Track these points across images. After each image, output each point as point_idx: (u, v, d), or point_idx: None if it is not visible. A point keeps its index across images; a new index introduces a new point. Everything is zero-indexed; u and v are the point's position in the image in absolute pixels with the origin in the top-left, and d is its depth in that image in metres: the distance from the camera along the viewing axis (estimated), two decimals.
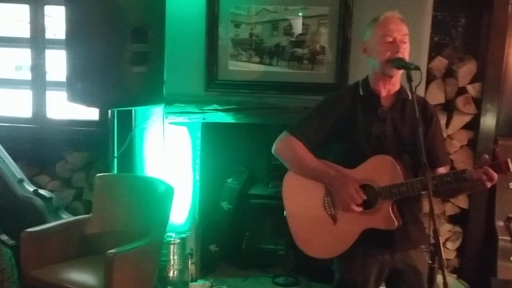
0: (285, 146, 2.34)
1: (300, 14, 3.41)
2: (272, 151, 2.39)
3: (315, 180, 2.30)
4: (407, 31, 2.23)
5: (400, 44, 2.18)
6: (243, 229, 3.89)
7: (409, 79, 2.09)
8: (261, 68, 3.46)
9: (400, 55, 2.17)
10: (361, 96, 2.30)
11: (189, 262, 3.54)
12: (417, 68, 2.10)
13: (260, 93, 3.45)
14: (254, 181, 4.10)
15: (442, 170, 2.29)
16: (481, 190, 2.12)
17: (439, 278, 1.99)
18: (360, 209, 2.20)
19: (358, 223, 2.24)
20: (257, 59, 3.47)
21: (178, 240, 3.54)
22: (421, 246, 2.35)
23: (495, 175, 1.99)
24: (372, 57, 2.25)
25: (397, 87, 2.29)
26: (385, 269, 2.30)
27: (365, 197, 2.20)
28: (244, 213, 3.91)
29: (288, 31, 3.43)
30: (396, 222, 2.19)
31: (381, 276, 2.32)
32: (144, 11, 3.11)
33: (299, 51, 3.44)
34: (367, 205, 2.22)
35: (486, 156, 2.04)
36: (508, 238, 3.47)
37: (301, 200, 2.36)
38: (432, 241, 1.95)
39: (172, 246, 3.52)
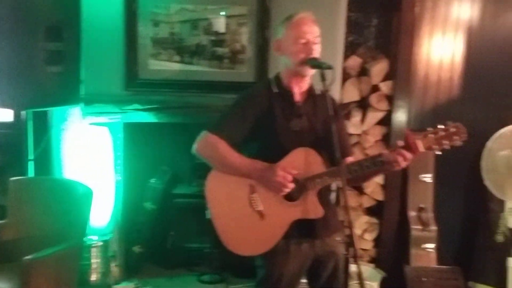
0: (206, 145, 2.33)
1: (220, 13, 3.45)
2: (193, 151, 2.37)
3: (242, 177, 2.29)
4: (319, 32, 2.31)
5: (313, 46, 2.26)
6: (168, 228, 3.88)
7: (323, 77, 2.21)
8: (182, 67, 3.47)
9: (314, 55, 2.26)
10: (275, 93, 2.36)
11: (112, 265, 3.48)
12: (330, 67, 2.21)
13: (181, 92, 3.45)
14: (177, 180, 4.09)
15: (350, 159, 2.40)
16: (393, 171, 2.23)
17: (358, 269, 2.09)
18: (291, 186, 2.23)
19: (285, 216, 2.29)
20: (177, 58, 3.46)
21: (100, 243, 3.47)
22: (337, 236, 2.44)
23: (408, 155, 2.13)
24: (286, 56, 2.32)
25: (308, 84, 2.39)
26: (308, 259, 2.38)
27: (295, 173, 2.22)
28: (169, 213, 3.89)
29: (208, 30, 3.45)
30: (322, 211, 2.28)
31: (304, 267, 2.40)
32: (57, 9, 3.03)
33: (220, 50, 3.48)
34: (293, 197, 2.28)
35: (400, 142, 2.18)
36: (420, 227, 3.69)
37: (226, 199, 2.34)
38: (348, 232, 2.06)
39: (94, 249, 3.44)
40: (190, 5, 3.41)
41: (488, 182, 3.32)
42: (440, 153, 2.19)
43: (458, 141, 2.16)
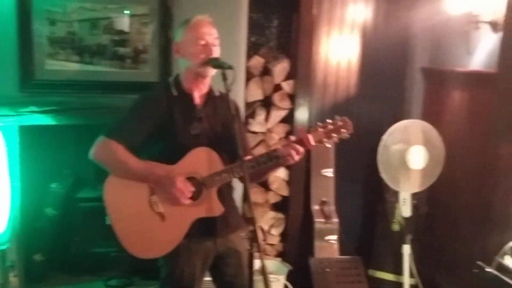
0: (104, 150, 2.29)
1: (121, 12, 3.38)
2: (90, 156, 2.32)
3: (141, 181, 2.28)
4: (217, 34, 2.35)
5: (212, 47, 2.30)
6: (72, 234, 3.75)
7: (224, 77, 2.25)
8: (82, 67, 3.36)
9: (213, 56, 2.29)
10: (175, 96, 2.37)
11: (11, 275, 3.31)
12: (230, 67, 2.26)
13: (82, 93, 3.34)
14: (81, 184, 3.96)
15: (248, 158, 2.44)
16: (288, 164, 2.33)
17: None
18: (189, 201, 2.26)
19: (187, 215, 2.31)
20: (77, 58, 3.35)
21: None
22: (240, 232, 2.51)
23: (301, 149, 2.26)
24: (186, 58, 2.34)
25: (208, 86, 2.42)
26: (210, 256, 2.42)
27: (193, 189, 2.26)
28: (72, 218, 3.76)
29: (109, 29, 3.37)
30: (222, 208, 2.33)
31: (206, 265, 2.43)
32: None
33: (122, 50, 3.41)
34: (193, 196, 2.30)
35: (292, 137, 2.32)
36: (323, 220, 3.85)
37: (126, 203, 2.32)
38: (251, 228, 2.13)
39: None
40: (89, 3, 3.31)
41: (384, 175, 3.52)
42: (330, 146, 2.34)
43: (345, 134, 2.31)
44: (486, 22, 3.19)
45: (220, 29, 3.38)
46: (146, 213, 2.29)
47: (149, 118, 2.31)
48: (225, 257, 2.45)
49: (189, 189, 2.25)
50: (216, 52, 2.32)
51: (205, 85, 2.41)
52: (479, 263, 2.34)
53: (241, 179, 2.34)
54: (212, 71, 2.33)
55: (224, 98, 2.37)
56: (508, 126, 2.49)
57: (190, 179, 2.30)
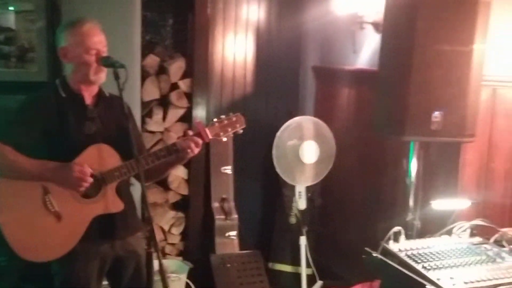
0: None
1: (5, 9, 3.21)
2: None
3: (34, 180, 2.21)
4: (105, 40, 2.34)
5: (102, 55, 2.29)
6: None
7: (116, 76, 2.23)
8: None
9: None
10: (64, 98, 2.32)
11: None
12: (123, 66, 2.23)
13: None
14: None
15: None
16: (187, 157, 2.38)
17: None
18: (91, 179, 2.21)
19: (85, 213, 2.26)
20: None
21: None
22: (138, 234, 2.49)
23: (200, 141, 2.33)
24: (75, 63, 2.30)
25: (98, 87, 2.40)
26: (107, 260, 2.37)
27: (91, 171, 2.21)
28: None
29: None
30: (122, 204, 2.30)
31: (104, 269, 2.38)
32: None
33: (6, 48, 3.24)
34: (90, 194, 2.26)
35: (190, 131, 2.41)
36: (223, 216, 3.90)
37: (16, 205, 2.22)
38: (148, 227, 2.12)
39: None
40: None
41: (279, 170, 3.61)
42: (225, 139, 2.44)
43: (239, 129, 2.44)
44: (369, 23, 3.39)
45: (113, 27, 3.30)
46: (40, 213, 2.22)
47: (37, 119, 2.25)
48: (124, 260, 2.42)
49: (88, 173, 2.19)
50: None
51: (96, 86, 2.39)
52: (367, 249, 2.49)
53: (137, 177, 2.33)
54: (103, 78, 2.32)
55: (114, 99, 2.37)
56: (387, 120, 2.67)
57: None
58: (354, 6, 3.50)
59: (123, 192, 2.38)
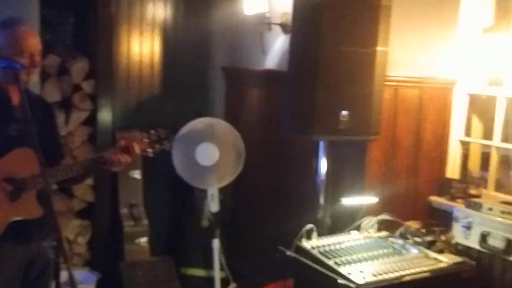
0: None
1: None
2: None
3: None
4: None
5: (36, 58, 2.25)
6: None
7: (17, 79, 2.16)
8: None
9: (37, 68, 2.28)
10: None
11: None
12: (22, 67, 2.17)
13: None
14: None
15: (64, 161, 2.45)
16: (111, 170, 2.43)
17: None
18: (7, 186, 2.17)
19: (3, 216, 2.20)
20: None
21: None
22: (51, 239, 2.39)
23: (127, 157, 2.34)
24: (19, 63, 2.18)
25: (24, 87, 2.29)
26: (23, 263, 2.32)
27: (11, 188, 2.18)
28: None
29: None
30: (41, 210, 2.25)
31: (20, 271, 2.32)
32: None
33: None
34: (12, 197, 2.21)
35: (122, 142, 2.36)
36: (132, 222, 3.77)
37: None
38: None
39: None
40: None
41: (182, 173, 3.48)
42: (152, 155, 2.44)
43: (167, 145, 2.47)
44: (277, 24, 3.42)
45: None
46: None
47: None
48: (34, 262, 2.36)
49: (5, 188, 2.17)
50: (39, 62, 2.28)
51: (22, 87, 2.28)
52: (281, 248, 2.51)
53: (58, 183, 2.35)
54: (34, 79, 2.29)
55: (39, 99, 2.38)
56: (295, 120, 2.71)
57: (9, 179, 2.20)
58: (262, 7, 3.53)
59: (44, 197, 2.25)
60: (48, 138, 2.31)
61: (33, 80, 2.31)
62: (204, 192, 3.70)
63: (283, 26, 3.42)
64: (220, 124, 3.52)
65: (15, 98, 2.29)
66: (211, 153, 3.45)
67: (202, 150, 3.45)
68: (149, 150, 2.40)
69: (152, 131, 2.42)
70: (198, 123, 3.49)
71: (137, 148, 2.35)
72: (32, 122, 2.21)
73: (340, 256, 2.38)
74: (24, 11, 3.23)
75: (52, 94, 3.61)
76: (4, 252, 2.24)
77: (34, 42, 2.26)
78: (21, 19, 2.31)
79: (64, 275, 2.17)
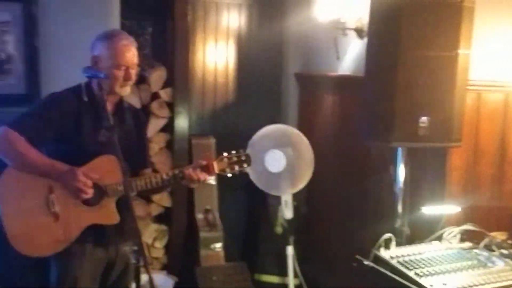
0: (4, 141, 2.22)
1: None
2: None
3: (41, 176, 2.24)
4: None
5: (132, 71, 2.36)
6: None
7: (100, 87, 2.26)
8: None
9: (131, 81, 2.37)
10: (85, 102, 2.33)
11: None
12: (106, 76, 2.28)
13: None
14: None
15: (148, 171, 2.54)
16: (189, 186, 2.50)
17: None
18: (91, 194, 2.24)
19: (81, 219, 2.28)
20: None
21: None
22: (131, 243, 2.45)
23: (205, 174, 2.38)
24: (103, 72, 2.29)
25: (119, 97, 2.43)
26: (102, 263, 2.41)
27: (93, 182, 2.24)
28: None
29: None
30: (118, 218, 2.32)
31: (99, 271, 2.41)
32: None
33: None
34: (91, 202, 2.28)
35: (203, 161, 2.39)
36: (207, 228, 3.83)
37: (20, 197, 2.27)
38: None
39: None
40: None
41: (255, 179, 3.49)
42: (230, 175, 2.46)
43: (246, 168, 2.48)
44: (352, 29, 3.38)
45: (91, 36, 3.26)
46: (41, 210, 2.25)
47: (54, 117, 2.29)
48: (114, 262, 2.44)
49: (90, 185, 2.24)
50: (134, 75, 2.38)
51: (117, 96, 2.42)
52: (358, 257, 2.46)
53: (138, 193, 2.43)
54: (128, 91, 2.38)
55: (132, 110, 2.48)
56: (373, 127, 2.65)
57: (93, 184, 2.28)
58: (336, 12, 3.49)
59: (124, 203, 2.35)
60: (136, 147, 2.44)
61: (126, 93, 2.40)
62: (278, 198, 3.70)
63: (358, 31, 3.37)
64: (288, 131, 3.51)
65: (109, 106, 2.38)
66: (279, 160, 3.45)
67: (271, 157, 3.45)
68: (228, 170, 2.43)
69: (233, 152, 2.44)
70: (267, 130, 3.51)
71: (216, 168, 2.40)
72: (116, 131, 2.29)
73: (421, 267, 2.29)
74: (105, 22, 3.37)
75: (132, 102, 3.72)
76: (85, 253, 2.34)
77: (131, 56, 2.35)
78: (123, 32, 2.42)
79: (143, 279, 2.25)
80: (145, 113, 3.78)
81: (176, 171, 2.38)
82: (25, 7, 3.17)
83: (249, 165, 2.47)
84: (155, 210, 3.89)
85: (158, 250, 3.89)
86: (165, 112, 3.83)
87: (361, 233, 3.27)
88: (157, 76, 3.79)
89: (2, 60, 3.20)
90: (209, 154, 2.57)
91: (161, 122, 3.84)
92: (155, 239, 3.87)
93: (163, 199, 3.87)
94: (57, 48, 3.27)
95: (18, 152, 2.22)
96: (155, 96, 3.82)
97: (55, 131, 2.30)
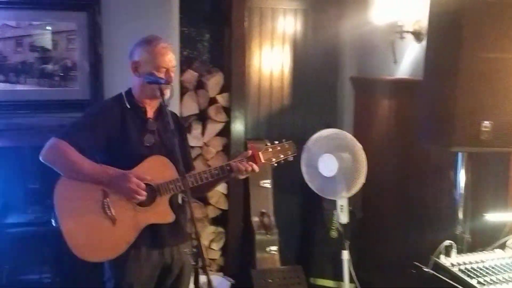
0: (55, 151, 2.27)
1: (47, 29, 3.28)
2: (41, 158, 2.29)
3: (93, 183, 2.29)
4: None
5: (171, 73, 2.41)
6: (2, 262, 3.55)
7: (161, 92, 2.31)
8: (7, 86, 3.24)
9: (171, 83, 2.39)
10: (128, 109, 2.41)
11: None
12: (167, 82, 2.34)
13: (8, 113, 3.21)
14: (9, 209, 3.76)
15: (193, 173, 2.52)
16: (238, 179, 2.47)
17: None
18: (144, 196, 2.28)
19: (138, 220, 2.33)
20: (1, 77, 3.22)
21: None
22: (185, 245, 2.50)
23: (254, 166, 2.40)
24: (163, 79, 2.36)
25: (159, 101, 2.45)
26: (157, 267, 2.44)
27: (147, 182, 2.29)
28: (1, 245, 3.57)
29: (35, 47, 3.26)
30: (173, 216, 2.37)
31: (154, 275, 2.44)
32: None
33: (49, 67, 3.31)
34: (146, 202, 2.32)
35: (249, 152, 2.43)
36: (263, 231, 3.86)
37: (77, 204, 2.31)
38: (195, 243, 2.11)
39: None
40: (13, 21, 3.19)
41: (310, 183, 3.50)
42: (276, 165, 2.50)
43: (290, 156, 2.51)
44: (409, 32, 3.33)
45: None
46: (97, 215, 2.30)
47: (101, 125, 2.34)
48: (169, 267, 2.47)
49: (143, 187, 2.28)
50: (173, 77, 2.42)
51: (157, 101, 2.46)
52: (417, 263, 2.42)
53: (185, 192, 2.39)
54: (168, 95, 2.39)
55: (171, 113, 2.47)
56: (433, 131, 2.60)
57: (145, 185, 2.32)
58: (393, 15, 3.45)
59: (176, 203, 2.44)
60: (179, 149, 2.43)
61: (167, 95, 2.40)
62: (333, 203, 3.68)
63: (416, 34, 3.33)
64: (342, 135, 3.48)
65: (150, 111, 2.45)
66: (331, 164, 3.44)
67: (324, 161, 3.45)
68: (273, 159, 2.46)
69: (277, 142, 2.49)
70: (321, 134, 3.51)
71: (262, 157, 2.43)
72: (173, 132, 2.34)
73: (483, 275, 2.23)
74: (165, 30, 3.45)
75: (190, 107, 3.82)
76: (141, 256, 2.37)
77: (170, 58, 2.39)
78: (160, 36, 2.44)
79: (201, 280, 2.27)
80: (203, 118, 3.89)
81: (224, 164, 2.42)
82: (90, 16, 3.30)
83: (293, 153, 2.50)
84: (212, 212, 3.95)
85: (215, 252, 3.96)
86: (222, 117, 3.89)
87: (419, 239, 3.21)
88: (215, 81, 3.86)
89: (68, 67, 3.34)
90: (254, 145, 2.61)
91: (218, 127, 3.90)
92: (212, 241, 3.94)
93: (220, 202, 3.93)
94: (120, 55, 3.36)
95: (69, 162, 2.27)
96: (212, 101, 3.89)
97: (103, 139, 2.34)
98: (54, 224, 2.33)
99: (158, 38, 2.42)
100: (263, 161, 2.43)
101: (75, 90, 3.35)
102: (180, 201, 2.54)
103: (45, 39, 3.28)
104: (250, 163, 2.39)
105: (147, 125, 2.43)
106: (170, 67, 2.39)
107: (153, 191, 2.33)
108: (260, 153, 2.43)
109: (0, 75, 3.22)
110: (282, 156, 2.48)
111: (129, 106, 2.41)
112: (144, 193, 2.28)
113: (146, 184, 2.31)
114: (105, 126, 2.34)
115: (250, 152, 2.42)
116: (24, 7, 3.21)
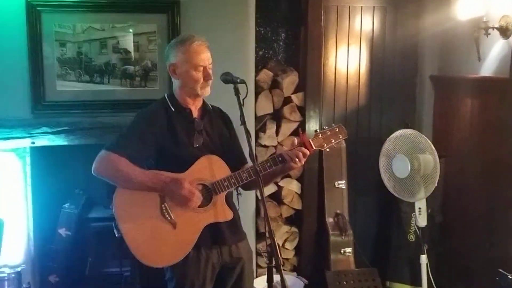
0: (106, 164, 2.29)
1: (129, 31, 3.40)
2: (92, 171, 2.33)
3: (148, 191, 2.30)
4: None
5: (209, 71, 2.40)
6: (85, 254, 3.73)
7: (237, 92, 2.31)
8: (92, 87, 3.39)
9: (211, 81, 2.40)
10: (173, 112, 2.43)
11: None
12: (243, 82, 2.33)
13: (92, 112, 3.37)
14: (93, 204, 3.95)
15: (246, 166, 2.52)
16: (292, 169, 2.45)
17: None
18: (200, 201, 2.30)
19: (197, 222, 2.35)
20: (86, 78, 3.38)
21: (12, 275, 3.27)
22: (243, 242, 2.54)
23: (306, 152, 2.38)
24: (182, 79, 2.40)
25: (202, 101, 2.50)
26: (217, 266, 2.44)
27: (200, 195, 2.30)
28: (85, 238, 3.74)
29: (117, 48, 3.40)
30: (231, 213, 2.40)
31: (214, 274, 2.44)
32: None
33: (131, 68, 3.43)
34: (203, 202, 2.35)
35: (297, 139, 2.44)
36: (338, 232, 3.81)
37: (136, 213, 2.33)
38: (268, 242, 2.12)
39: (6, 282, 3.24)
40: (98, 23, 3.34)
41: (388, 184, 3.44)
42: (328, 150, 2.49)
43: (341, 140, 2.49)
44: (495, 28, 3.17)
45: (228, 44, 3.41)
46: (157, 220, 2.32)
47: (149, 132, 2.36)
48: (230, 267, 2.48)
49: (196, 192, 2.29)
50: (211, 75, 2.41)
51: (200, 101, 2.50)
52: (501, 270, 2.30)
53: (246, 187, 2.47)
54: (208, 92, 2.42)
55: (216, 111, 2.54)
56: None
57: (199, 185, 2.34)
58: (477, 11, 3.30)
59: (230, 201, 2.46)
60: (230, 145, 2.51)
61: (208, 93, 2.43)
62: (411, 205, 3.58)
63: (503, 30, 3.16)
64: (416, 136, 3.38)
65: (194, 111, 2.47)
66: (404, 166, 3.35)
67: (398, 162, 3.37)
68: (325, 145, 2.45)
69: (325, 127, 2.48)
70: (395, 135, 3.43)
71: (313, 144, 2.41)
72: (212, 133, 2.43)
73: None
74: (241, 30, 3.50)
75: (265, 107, 3.83)
76: (201, 257, 2.38)
77: (206, 56, 2.38)
78: (193, 34, 2.43)
79: (274, 279, 2.26)
80: (277, 117, 3.90)
81: (276, 154, 2.40)
82: (170, 18, 3.39)
83: (344, 136, 2.48)
84: (286, 212, 3.94)
85: (288, 251, 3.95)
86: (297, 116, 3.88)
87: (505, 245, 3.05)
88: (290, 81, 3.85)
89: (148, 68, 3.45)
90: (305, 133, 2.60)
91: (293, 126, 3.89)
92: (285, 240, 3.93)
93: (294, 202, 3.92)
94: None
95: (120, 173, 2.27)
96: (287, 100, 3.89)
97: (153, 146, 2.34)
98: (116, 235, 2.34)
99: (191, 37, 2.40)
100: (314, 147, 2.42)
101: (154, 90, 3.45)
102: (235, 198, 2.56)
103: (127, 40, 3.41)
104: (299, 147, 2.37)
105: (194, 125, 2.44)
106: (207, 64, 2.38)
107: (209, 191, 2.35)
108: (311, 140, 2.42)
109: (86, 75, 3.37)
110: (333, 140, 2.46)
111: (174, 109, 2.43)
112: (198, 197, 2.30)
113: (200, 184, 2.33)
114: (153, 133, 2.35)
115: (298, 139, 2.41)
116: (108, 10, 3.35)
